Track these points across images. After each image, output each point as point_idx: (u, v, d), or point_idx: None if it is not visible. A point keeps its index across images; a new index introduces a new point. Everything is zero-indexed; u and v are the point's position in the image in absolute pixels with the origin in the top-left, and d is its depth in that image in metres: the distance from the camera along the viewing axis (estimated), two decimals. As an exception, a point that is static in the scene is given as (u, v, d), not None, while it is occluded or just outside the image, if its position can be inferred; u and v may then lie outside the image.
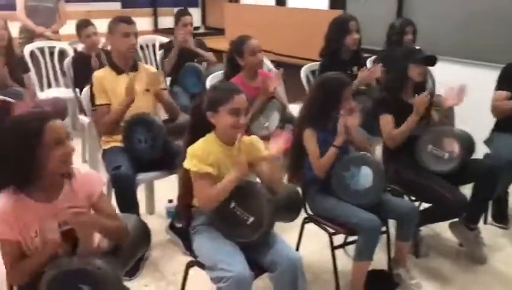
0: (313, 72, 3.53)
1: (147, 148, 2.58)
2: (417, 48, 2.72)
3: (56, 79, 4.55)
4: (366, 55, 3.60)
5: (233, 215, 1.87)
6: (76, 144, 3.66)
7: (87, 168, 1.78)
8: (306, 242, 2.47)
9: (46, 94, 4.22)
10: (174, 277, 2.45)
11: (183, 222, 2.67)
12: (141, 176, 2.58)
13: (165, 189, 3.11)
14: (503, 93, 2.83)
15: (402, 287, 2.38)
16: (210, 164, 1.87)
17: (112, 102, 2.66)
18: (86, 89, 2.78)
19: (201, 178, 1.85)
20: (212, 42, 5.24)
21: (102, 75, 2.69)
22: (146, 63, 4.78)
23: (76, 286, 1.45)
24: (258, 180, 2.02)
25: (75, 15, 5.51)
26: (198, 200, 1.89)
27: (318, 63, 3.44)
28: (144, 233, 1.94)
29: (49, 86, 4.50)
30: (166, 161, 2.62)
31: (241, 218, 1.87)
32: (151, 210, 3.10)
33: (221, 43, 5.27)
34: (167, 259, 2.64)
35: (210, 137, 1.94)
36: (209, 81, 3.21)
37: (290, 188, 2.30)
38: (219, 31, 5.87)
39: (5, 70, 3.16)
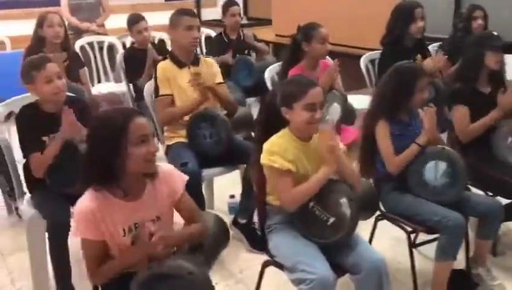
0: (372, 61, 3.40)
1: (212, 144, 2.53)
2: (494, 33, 2.55)
3: (106, 74, 4.57)
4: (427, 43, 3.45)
5: (312, 215, 1.80)
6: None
7: (166, 164, 1.71)
8: (377, 240, 2.37)
9: (97, 89, 4.24)
10: (242, 274, 2.41)
11: (246, 217, 2.67)
12: (206, 172, 2.53)
13: (223, 184, 3.08)
14: None
15: (482, 288, 2.26)
16: (290, 160, 1.79)
17: (174, 95, 2.62)
18: (150, 83, 2.74)
19: (283, 176, 1.78)
20: (255, 33, 5.17)
21: (165, 66, 2.65)
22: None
23: None
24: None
25: (120, 9, 5.55)
26: (280, 199, 1.82)
27: (378, 52, 3.32)
28: (224, 231, 1.90)
29: (99, 80, 4.53)
30: (230, 156, 2.58)
31: (320, 218, 1.79)
32: (210, 205, 3.06)
33: (266, 34, 5.20)
34: (232, 256, 2.59)
35: (285, 133, 1.87)
36: (267, 73, 3.14)
37: (364, 185, 2.20)
38: (262, 22, 5.77)
39: (63, 67, 3.16)
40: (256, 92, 3.91)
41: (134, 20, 3.68)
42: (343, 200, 1.77)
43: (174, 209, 1.67)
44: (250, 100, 3.99)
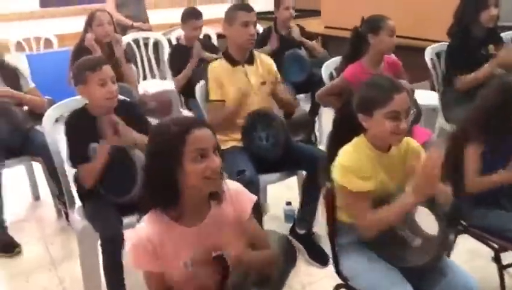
0: (437, 54, 3.12)
1: (268, 147, 2.35)
2: None
3: (151, 71, 4.47)
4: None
5: (394, 235, 1.58)
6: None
7: (233, 182, 1.51)
8: (461, 258, 2.12)
9: (142, 86, 4.12)
10: (304, 290, 2.23)
11: (306, 227, 2.48)
12: (263, 179, 2.35)
13: (278, 188, 2.89)
14: None
15: None
16: (366, 177, 1.58)
17: (228, 96, 2.45)
18: (202, 82, 2.58)
19: (359, 199, 1.57)
20: (304, 25, 4.94)
21: (217, 67, 2.48)
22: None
23: None
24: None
25: (165, 3, 5.45)
26: (359, 224, 1.60)
27: (443, 43, 3.05)
28: (291, 252, 1.72)
29: (144, 78, 4.42)
30: (287, 160, 2.39)
31: (404, 239, 1.57)
32: (263, 211, 2.88)
33: (314, 26, 4.96)
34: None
35: (360, 142, 1.65)
36: (325, 70, 2.92)
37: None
38: (310, 13, 5.53)
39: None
40: (306, 88, 3.70)
41: (193, 15, 3.52)
42: (431, 219, 1.55)
43: None
44: (300, 97, 3.77)
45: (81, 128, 2.06)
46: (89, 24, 3.17)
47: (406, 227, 1.57)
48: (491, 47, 2.86)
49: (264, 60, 2.59)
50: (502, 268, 1.89)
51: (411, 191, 1.51)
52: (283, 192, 2.85)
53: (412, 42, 3.78)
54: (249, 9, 2.46)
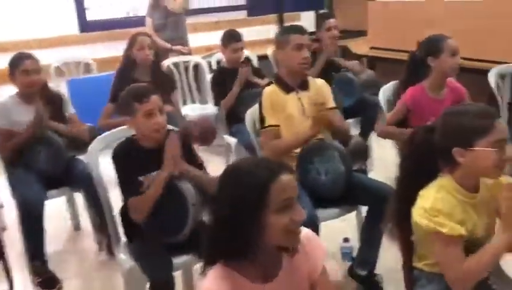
0: (502, 76, 2.89)
1: (328, 182, 2.15)
2: None
3: (191, 95, 4.37)
4: None
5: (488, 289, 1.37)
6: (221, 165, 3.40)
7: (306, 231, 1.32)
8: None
9: (184, 112, 4.01)
10: None
11: (367, 269, 2.26)
12: (321, 215, 2.14)
13: (333, 223, 2.68)
14: None
15: None
16: (458, 221, 1.38)
17: (281, 124, 2.28)
18: (252, 109, 2.42)
19: (452, 244, 1.36)
20: (349, 46, 4.78)
21: (270, 93, 2.31)
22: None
23: None
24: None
25: (203, 26, 5.38)
26: (450, 275, 1.39)
27: (509, 64, 2.82)
28: None
29: (184, 102, 4.32)
30: (348, 194, 2.19)
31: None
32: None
33: (358, 47, 4.79)
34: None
35: (445, 183, 1.44)
36: (382, 95, 2.73)
37: None
38: (356, 34, 5.36)
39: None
40: (355, 112, 3.50)
41: (233, 37, 3.40)
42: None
43: None
44: (349, 122, 3.57)
45: (130, 160, 1.92)
46: (130, 47, 3.09)
47: (503, 279, 1.35)
48: None
49: (319, 85, 2.41)
50: None
51: (500, 230, 1.32)
52: (338, 226, 2.63)
53: (471, 64, 3.54)
54: (302, 31, 2.29)
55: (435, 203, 1.39)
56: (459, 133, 1.39)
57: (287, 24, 5.76)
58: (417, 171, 1.49)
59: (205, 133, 3.03)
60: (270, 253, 1.19)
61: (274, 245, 1.17)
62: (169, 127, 2.08)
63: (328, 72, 3.53)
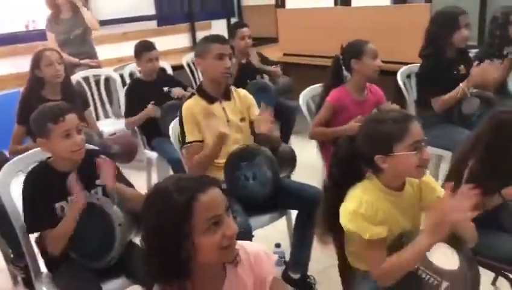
0: (408, 76, 3.09)
1: (256, 186, 2.15)
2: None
3: (104, 109, 4.18)
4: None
5: (419, 280, 1.43)
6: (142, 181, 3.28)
7: (250, 243, 1.30)
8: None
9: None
10: None
11: (300, 271, 2.29)
12: (254, 222, 2.14)
13: (271, 232, 2.68)
14: None
15: None
16: (381, 222, 1.44)
17: (205, 136, 2.24)
18: (175, 122, 2.36)
19: (374, 247, 1.43)
20: (262, 52, 4.85)
21: (191, 105, 2.27)
22: (192, 83, 4.38)
23: None
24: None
25: (111, 38, 5.18)
26: (373, 273, 1.46)
27: (415, 65, 3.01)
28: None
29: (98, 118, 4.11)
30: (278, 199, 2.21)
31: (430, 283, 1.43)
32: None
33: (272, 53, 4.89)
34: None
35: (369, 185, 1.52)
36: (302, 99, 2.79)
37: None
38: (267, 40, 5.46)
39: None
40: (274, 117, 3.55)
41: (146, 47, 3.29)
42: (461, 260, 1.41)
43: None
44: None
45: (45, 186, 1.78)
46: (36, 65, 2.85)
47: (432, 270, 1.43)
48: (461, 67, 2.85)
49: (242, 95, 2.41)
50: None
51: (426, 232, 1.39)
52: (269, 232, 2.64)
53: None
54: (223, 40, 2.28)
55: (358, 207, 1.45)
56: (377, 141, 1.46)
57: (199, 33, 5.78)
58: (344, 178, 1.55)
59: (126, 149, 2.92)
60: (211, 267, 1.16)
61: (211, 263, 1.13)
62: (88, 146, 1.96)
63: (243, 79, 3.57)
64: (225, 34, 3.72)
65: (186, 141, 2.23)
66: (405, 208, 1.54)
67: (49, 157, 1.85)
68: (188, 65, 4.52)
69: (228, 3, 6.14)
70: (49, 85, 2.81)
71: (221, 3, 6.11)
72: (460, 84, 2.71)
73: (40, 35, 4.50)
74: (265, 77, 3.87)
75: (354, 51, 2.51)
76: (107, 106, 4.18)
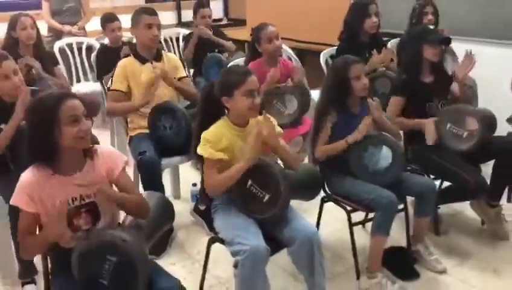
0: (332, 56, 3.56)
1: (172, 135, 2.68)
2: (431, 27, 2.72)
3: (85, 74, 4.73)
4: (385, 38, 3.61)
5: (250, 193, 1.95)
6: (105, 136, 3.85)
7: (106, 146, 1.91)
8: (327, 222, 2.55)
9: (75, 88, 4.39)
10: (199, 255, 2.55)
11: (206, 204, 2.81)
12: (166, 161, 2.69)
13: (190, 174, 3.25)
14: None
15: (421, 263, 2.42)
16: (222, 148, 1.94)
17: (133, 90, 2.78)
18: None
19: (210, 164, 1.94)
20: (235, 33, 5.31)
21: (126, 63, 2.81)
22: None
23: (105, 258, 1.54)
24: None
25: (101, 12, 5.71)
26: (206, 186, 1.97)
27: (336, 47, 3.48)
28: (167, 209, 2.04)
29: (78, 80, 4.68)
30: (190, 145, 2.73)
31: (257, 195, 1.94)
32: (177, 194, 3.22)
33: (243, 33, 5.37)
34: (192, 240, 2.75)
35: (222, 121, 2.01)
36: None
37: (309, 168, 2.37)
38: (241, 22, 5.94)
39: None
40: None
41: (109, 19, 3.85)
42: (277, 179, 1.92)
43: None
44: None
45: None
46: (12, 27, 3.35)
47: (258, 186, 1.94)
48: (374, 52, 3.30)
49: (171, 58, 2.94)
50: (351, 225, 2.29)
51: (245, 153, 1.91)
52: (193, 175, 3.21)
53: (317, 47, 4.23)
54: (152, 12, 2.81)
55: (206, 134, 1.96)
56: (224, 86, 1.97)
57: (185, 11, 6.29)
58: (207, 115, 2.05)
59: (89, 105, 3.47)
60: (72, 154, 1.67)
61: (71, 147, 1.65)
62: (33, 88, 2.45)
63: (202, 52, 4.09)
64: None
65: (111, 88, 2.78)
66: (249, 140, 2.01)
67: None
68: (171, 38, 5.10)
69: (215, -16, 6.64)
70: (22, 46, 3.35)
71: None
72: (367, 63, 3.15)
73: (36, 4, 5.05)
74: (225, 54, 4.35)
75: (254, 35, 3.05)
76: (88, 70, 4.73)
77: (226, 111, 2.02)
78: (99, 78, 3.83)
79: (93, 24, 5.29)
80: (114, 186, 1.77)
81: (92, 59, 4.07)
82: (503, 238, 2.63)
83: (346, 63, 2.30)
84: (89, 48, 4.68)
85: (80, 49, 4.68)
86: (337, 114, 2.30)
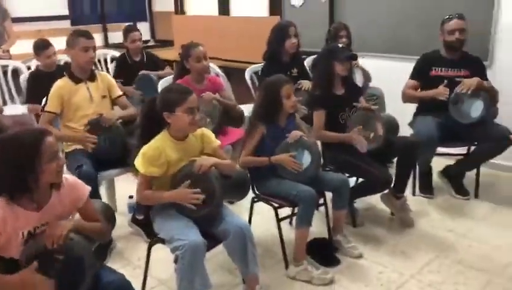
0: (255, 72, 3.87)
1: (107, 148, 2.83)
2: (339, 45, 3.08)
3: (12, 98, 4.70)
4: (304, 56, 3.97)
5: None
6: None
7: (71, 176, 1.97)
8: (258, 222, 2.82)
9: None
10: (140, 261, 2.70)
11: (143, 213, 2.98)
12: (103, 174, 2.82)
13: (126, 187, 3.35)
14: (411, 82, 3.37)
15: (341, 251, 2.73)
16: (161, 163, 2.12)
17: (66, 110, 2.90)
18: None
19: (144, 179, 2.14)
20: (162, 53, 5.50)
21: (61, 84, 2.92)
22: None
23: (52, 257, 1.65)
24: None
25: (25, 35, 5.69)
26: (136, 195, 2.17)
27: (261, 64, 3.79)
28: (111, 216, 2.22)
29: (5, 103, 4.64)
30: (125, 159, 2.87)
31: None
32: (113, 207, 3.30)
33: (171, 54, 5.58)
34: (131, 248, 2.88)
35: (163, 136, 2.19)
36: (161, 85, 3.50)
37: (238, 171, 2.61)
38: (168, 43, 6.16)
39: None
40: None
41: (43, 46, 3.86)
42: (211, 181, 2.14)
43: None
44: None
45: None
46: None
47: (195, 187, 2.14)
48: (294, 70, 3.63)
49: (104, 77, 3.09)
50: (278, 220, 2.57)
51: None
52: (129, 188, 3.31)
53: (243, 65, 4.54)
54: (89, 36, 2.96)
55: (145, 150, 2.13)
56: (166, 103, 2.14)
57: (111, 33, 6.40)
58: (149, 129, 2.23)
59: (18, 124, 3.52)
60: (44, 189, 1.74)
61: (49, 182, 1.74)
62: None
63: (135, 72, 4.25)
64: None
65: (46, 109, 2.87)
66: (189, 152, 2.22)
67: None
68: (99, 60, 5.23)
69: (140, 8, 6.83)
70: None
71: (134, 8, 6.79)
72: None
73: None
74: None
75: (183, 53, 3.27)
76: (14, 94, 4.71)
77: (167, 125, 2.19)
78: (28, 102, 3.84)
79: (18, 48, 5.29)
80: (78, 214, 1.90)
81: (21, 82, 4.07)
82: (409, 225, 3.03)
83: (278, 83, 2.55)
84: (15, 71, 4.68)
85: (5, 73, 4.67)
86: (267, 127, 2.56)
